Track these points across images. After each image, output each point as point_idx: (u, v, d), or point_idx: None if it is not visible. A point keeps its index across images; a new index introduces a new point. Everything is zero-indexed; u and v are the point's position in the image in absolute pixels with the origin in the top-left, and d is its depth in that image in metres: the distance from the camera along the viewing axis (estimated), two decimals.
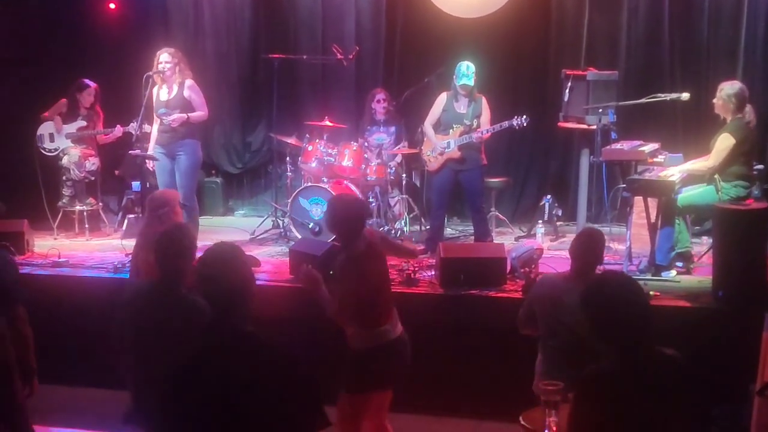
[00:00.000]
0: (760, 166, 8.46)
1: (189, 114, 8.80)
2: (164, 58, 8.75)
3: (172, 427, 3.40)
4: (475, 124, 8.81)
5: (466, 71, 8.78)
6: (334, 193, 9.20)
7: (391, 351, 5.34)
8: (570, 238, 9.47)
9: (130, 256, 6.73)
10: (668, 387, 3.49)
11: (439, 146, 8.87)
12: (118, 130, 9.95)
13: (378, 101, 10.28)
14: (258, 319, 3.52)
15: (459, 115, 8.86)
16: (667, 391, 3.48)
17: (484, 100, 8.92)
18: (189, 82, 8.86)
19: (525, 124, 8.78)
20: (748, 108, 7.90)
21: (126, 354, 4.90)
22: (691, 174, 7.89)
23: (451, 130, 8.87)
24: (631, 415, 3.46)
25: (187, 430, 3.33)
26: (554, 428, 4.65)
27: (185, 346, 4.70)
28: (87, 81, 10.22)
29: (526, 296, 5.99)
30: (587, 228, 6.36)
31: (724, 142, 7.65)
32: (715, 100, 7.90)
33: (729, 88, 7.81)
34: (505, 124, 8.77)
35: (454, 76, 8.84)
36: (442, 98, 9.00)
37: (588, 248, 5.47)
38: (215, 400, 3.26)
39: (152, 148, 8.83)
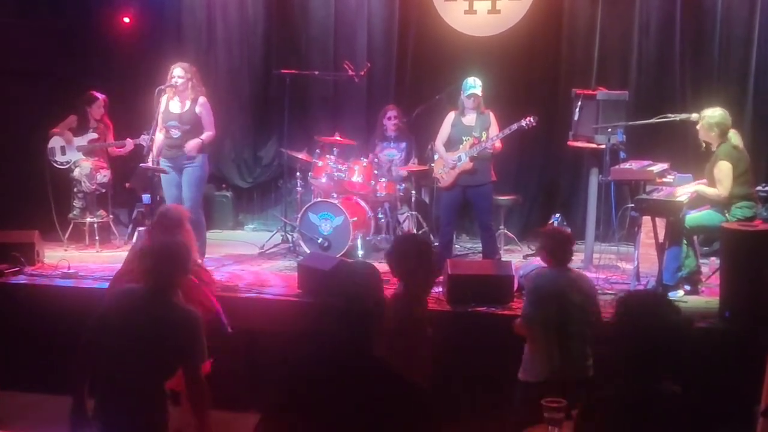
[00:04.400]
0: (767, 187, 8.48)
1: (203, 138, 8.85)
2: (178, 72, 8.79)
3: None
4: (484, 137, 8.83)
5: (473, 83, 8.83)
6: (343, 209, 9.26)
7: None
8: (579, 257, 9.54)
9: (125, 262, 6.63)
10: (669, 427, 3.45)
11: (451, 161, 8.89)
12: (129, 144, 10.00)
13: (389, 118, 10.31)
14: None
15: (468, 128, 8.89)
16: (662, 428, 3.42)
17: (492, 115, 8.96)
18: (202, 99, 8.89)
19: (534, 124, 8.78)
20: (732, 133, 7.92)
21: (92, 356, 4.88)
22: (699, 195, 7.90)
23: (461, 145, 8.89)
24: None
25: None
26: None
27: (185, 352, 4.74)
28: (96, 93, 10.28)
29: (527, 296, 6.11)
30: (550, 229, 6.59)
31: (722, 170, 7.70)
32: (698, 126, 7.95)
33: (710, 116, 7.89)
34: (515, 126, 8.76)
35: (462, 92, 8.88)
36: (451, 116, 9.04)
37: (560, 242, 5.98)
38: (336, 421, 3.22)
39: (157, 159, 8.82)
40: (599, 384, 3.58)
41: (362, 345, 3.32)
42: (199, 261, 8.62)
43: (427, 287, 5.49)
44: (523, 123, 8.75)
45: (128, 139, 10.00)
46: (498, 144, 8.84)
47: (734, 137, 7.91)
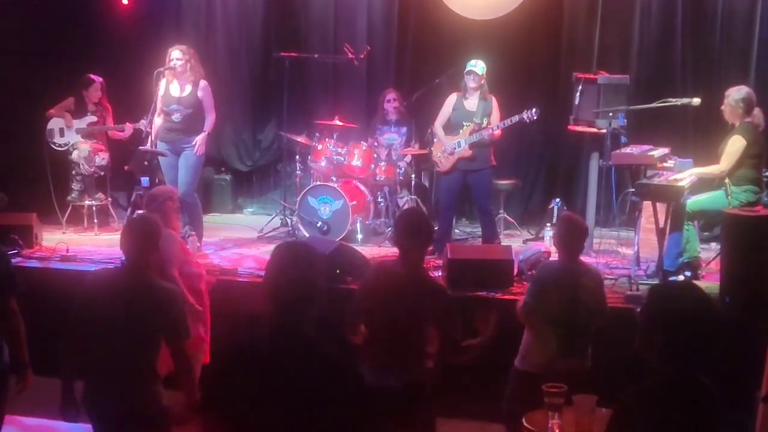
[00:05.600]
0: None
1: (207, 130, 8.86)
2: (176, 54, 8.75)
3: (219, 418, 3.38)
4: (485, 123, 8.81)
5: (474, 63, 8.82)
6: (343, 192, 9.23)
7: None
8: None
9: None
10: (701, 418, 3.39)
11: (450, 146, 8.87)
12: (129, 128, 9.95)
13: (389, 101, 10.28)
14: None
15: (469, 113, 8.86)
16: (699, 423, 3.37)
17: (494, 100, 8.93)
18: (203, 83, 8.86)
19: (535, 117, 8.77)
20: (757, 111, 7.88)
21: (78, 340, 4.96)
22: (701, 179, 7.88)
23: (461, 129, 8.87)
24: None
25: (234, 424, 3.31)
26: (557, 431, 4.65)
27: (167, 328, 4.78)
28: (93, 76, 10.21)
29: (530, 285, 6.05)
30: (567, 215, 6.46)
31: (735, 144, 7.65)
32: (723, 107, 7.90)
33: (736, 93, 7.81)
34: (516, 118, 8.76)
35: (464, 72, 8.84)
36: (452, 98, 9.00)
37: (572, 236, 5.82)
38: (271, 400, 3.24)
39: (154, 142, 8.78)
40: (633, 377, 3.48)
41: (300, 328, 3.35)
42: (198, 245, 8.65)
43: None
44: (525, 116, 8.74)
45: (127, 123, 9.95)
46: (497, 132, 8.82)
47: (759, 116, 7.87)
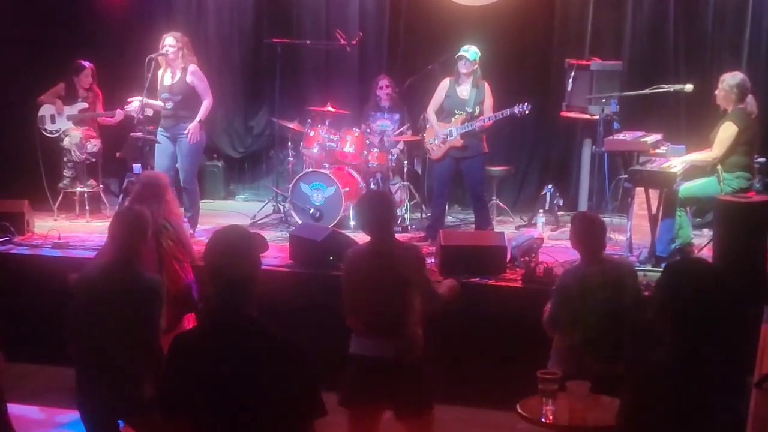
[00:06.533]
0: (762, 159, 8.44)
1: (201, 118, 8.83)
2: (169, 41, 8.73)
3: (171, 405, 3.42)
4: (477, 111, 8.81)
5: (467, 48, 8.79)
6: (335, 179, 9.22)
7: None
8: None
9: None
10: (709, 393, 3.40)
11: (442, 134, 8.86)
12: (119, 114, 9.91)
13: (382, 87, 10.26)
14: (257, 304, 3.52)
15: (461, 102, 8.85)
16: (709, 389, 3.39)
17: (487, 87, 8.91)
18: (192, 67, 8.83)
19: (527, 112, 8.77)
20: (750, 98, 7.89)
21: (78, 332, 5.01)
22: (693, 166, 7.88)
23: (453, 118, 8.86)
24: (681, 407, 3.37)
25: (186, 410, 3.34)
26: (551, 417, 4.67)
27: (145, 321, 4.84)
28: (83, 62, 10.17)
29: (553, 296, 5.75)
30: (581, 213, 6.37)
31: (726, 131, 7.65)
32: (716, 92, 7.90)
33: (731, 78, 7.81)
34: (507, 111, 8.77)
35: (456, 57, 8.83)
36: (445, 83, 8.99)
37: (592, 234, 5.61)
38: (216, 382, 3.28)
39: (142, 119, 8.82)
40: (644, 351, 3.51)
41: (237, 306, 3.38)
42: (191, 232, 8.62)
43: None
44: (516, 110, 8.75)
45: (118, 109, 9.91)
46: (489, 123, 8.82)
47: (752, 103, 7.88)
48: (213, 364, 3.30)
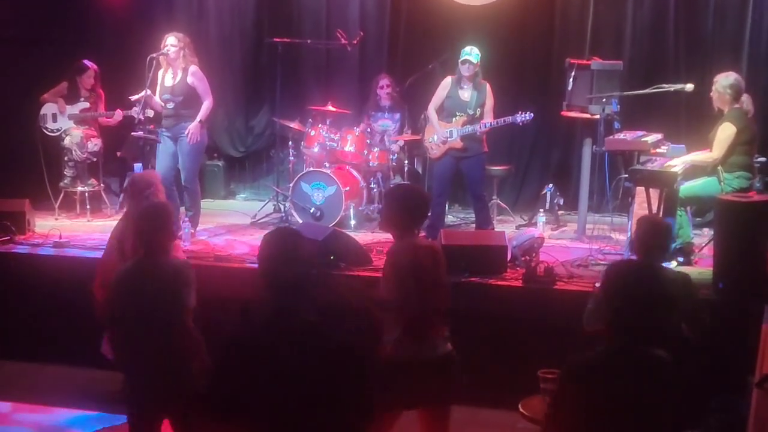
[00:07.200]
0: (762, 159, 8.45)
1: (201, 118, 8.83)
2: (171, 41, 8.74)
3: (225, 405, 3.41)
4: (478, 113, 8.81)
5: (470, 50, 8.78)
6: (336, 178, 9.22)
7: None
8: (571, 227, 9.54)
9: (110, 237, 6.62)
10: (649, 389, 3.42)
11: (442, 135, 8.86)
12: (118, 114, 9.92)
13: (382, 87, 10.26)
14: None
15: (463, 104, 8.84)
16: (646, 393, 3.40)
17: (488, 87, 8.91)
18: (193, 68, 8.84)
19: (529, 120, 8.79)
20: (746, 97, 7.91)
21: (117, 333, 5.03)
22: (693, 166, 7.89)
23: (454, 119, 8.86)
24: (607, 410, 3.40)
25: (242, 411, 3.34)
26: None
27: (176, 313, 4.82)
28: (87, 63, 10.18)
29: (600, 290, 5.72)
30: (647, 216, 6.26)
31: (725, 132, 7.67)
32: (711, 93, 7.92)
33: (724, 79, 7.84)
34: (509, 119, 8.78)
35: (459, 61, 8.82)
36: (447, 82, 8.98)
37: (653, 236, 5.47)
38: (276, 385, 3.28)
39: (145, 119, 8.84)
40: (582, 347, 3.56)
41: (296, 309, 3.38)
42: (192, 231, 8.64)
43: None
44: (519, 119, 8.76)
45: (117, 110, 9.93)
46: (488, 129, 8.83)
47: (747, 102, 7.88)
48: (273, 367, 3.29)
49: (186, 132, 8.75)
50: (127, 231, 6.14)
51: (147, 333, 4.83)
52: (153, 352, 4.83)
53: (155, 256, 4.97)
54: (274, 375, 3.28)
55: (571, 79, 9.10)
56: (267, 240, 3.62)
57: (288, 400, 3.26)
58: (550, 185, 10.01)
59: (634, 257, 5.65)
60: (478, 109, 8.82)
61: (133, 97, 8.97)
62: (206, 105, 8.86)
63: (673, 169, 7.63)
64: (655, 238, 5.45)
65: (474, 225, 9.37)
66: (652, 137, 8.30)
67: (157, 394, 4.91)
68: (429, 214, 5.61)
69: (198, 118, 8.79)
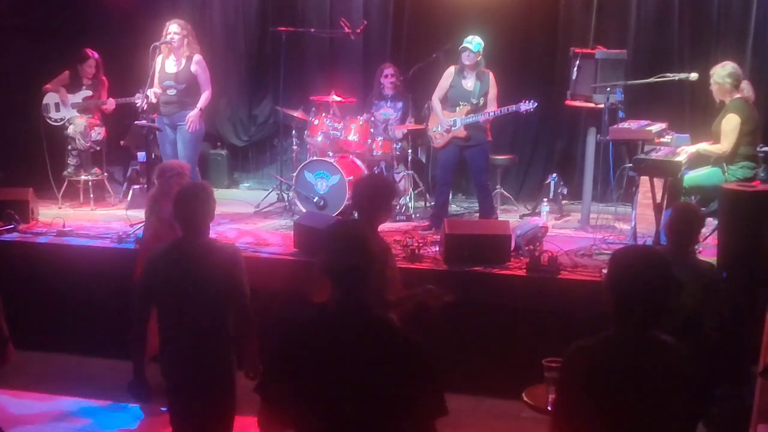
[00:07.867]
0: (766, 148, 8.44)
1: (200, 106, 8.85)
2: (173, 28, 8.74)
3: (278, 392, 3.37)
4: (481, 102, 8.80)
5: (471, 39, 8.75)
6: (339, 168, 9.22)
7: None
8: (575, 217, 9.54)
9: (143, 224, 6.69)
10: (658, 377, 3.40)
11: (446, 123, 8.85)
12: (111, 103, 9.95)
13: (386, 76, 10.24)
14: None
15: (466, 93, 8.83)
16: (655, 381, 3.39)
17: (491, 76, 8.89)
18: (197, 57, 8.85)
19: (532, 109, 8.77)
20: (746, 84, 7.91)
21: (144, 321, 4.93)
22: (698, 154, 7.88)
23: (457, 108, 8.84)
24: (612, 396, 3.39)
25: (295, 400, 3.32)
26: None
27: (218, 291, 4.75)
28: (88, 51, 10.17)
29: (606, 275, 5.66)
30: (682, 203, 6.24)
31: (730, 123, 7.66)
32: (710, 87, 7.91)
33: (721, 69, 7.86)
34: (513, 108, 8.76)
35: (459, 49, 8.81)
36: (450, 72, 8.97)
37: (684, 222, 5.41)
38: (338, 377, 3.26)
39: (153, 117, 8.83)
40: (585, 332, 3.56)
41: (360, 302, 3.36)
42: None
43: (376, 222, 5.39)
44: (522, 108, 8.74)
45: (110, 99, 9.95)
46: (492, 117, 8.82)
47: (747, 88, 7.87)
48: (334, 358, 3.27)
49: (186, 119, 8.76)
50: (161, 213, 6.31)
51: (193, 316, 4.72)
52: (198, 337, 4.74)
53: (196, 237, 4.83)
54: (336, 366, 3.26)
55: (575, 68, 9.08)
56: (333, 233, 3.54)
57: (351, 391, 3.25)
58: (554, 174, 10.00)
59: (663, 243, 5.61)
60: (482, 98, 8.81)
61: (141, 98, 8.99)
62: (206, 95, 8.88)
63: (677, 159, 7.62)
64: (686, 225, 5.40)
65: (477, 214, 9.36)
66: (657, 126, 8.29)
67: (188, 380, 4.83)
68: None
69: (198, 106, 8.79)
